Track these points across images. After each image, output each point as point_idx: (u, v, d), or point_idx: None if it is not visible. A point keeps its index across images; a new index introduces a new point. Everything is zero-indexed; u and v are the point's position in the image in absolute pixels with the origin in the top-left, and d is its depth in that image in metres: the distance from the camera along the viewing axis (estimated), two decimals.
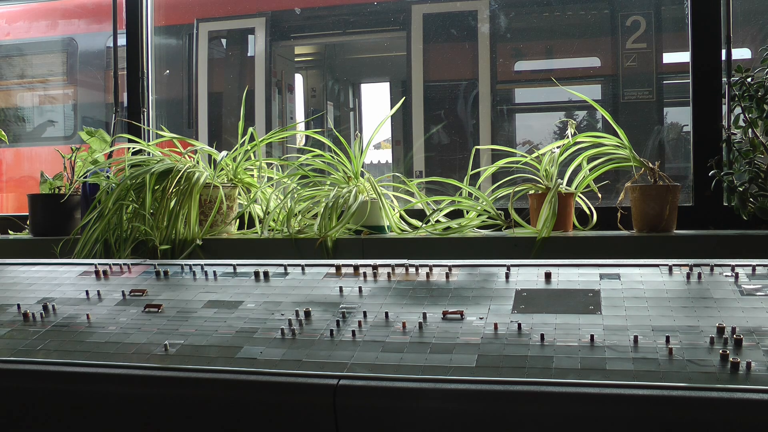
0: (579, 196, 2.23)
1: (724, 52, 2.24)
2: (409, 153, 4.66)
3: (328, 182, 2.38)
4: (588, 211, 2.24)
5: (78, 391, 1.28)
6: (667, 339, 1.21)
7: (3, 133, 2.69)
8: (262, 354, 1.30)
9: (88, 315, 1.53)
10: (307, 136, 3.59)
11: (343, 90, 6.01)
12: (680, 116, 4.13)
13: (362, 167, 2.35)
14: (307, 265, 1.77)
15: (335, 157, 2.37)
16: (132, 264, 1.89)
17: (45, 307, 1.58)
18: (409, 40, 4.61)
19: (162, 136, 2.55)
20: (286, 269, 1.75)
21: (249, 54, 5.00)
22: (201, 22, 4.92)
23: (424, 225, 2.26)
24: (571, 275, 1.56)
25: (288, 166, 2.59)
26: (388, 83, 5.78)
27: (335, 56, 5.88)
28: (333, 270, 1.72)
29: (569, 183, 2.23)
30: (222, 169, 2.43)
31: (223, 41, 5.10)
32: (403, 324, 1.37)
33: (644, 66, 4.15)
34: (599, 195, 2.27)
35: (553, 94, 4.50)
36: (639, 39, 4.14)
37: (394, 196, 2.38)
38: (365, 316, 1.42)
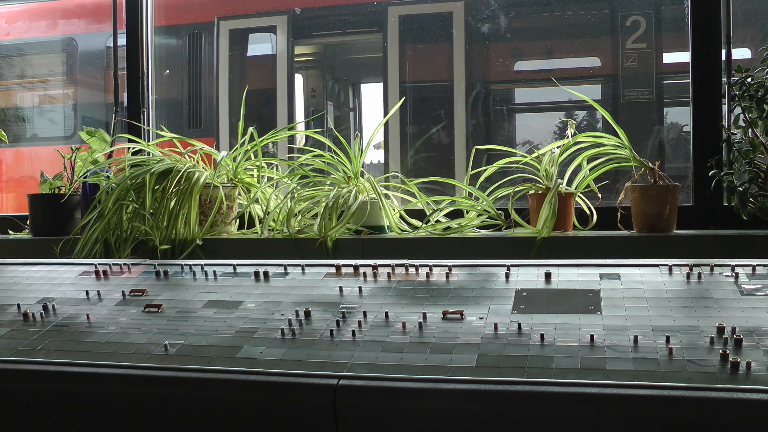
0: (579, 196, 2.23)
1: (724, 52, 2.24)
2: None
3: (328, 182, 2.38)
4: (588, 211, 2.24)
5: (78, 391, 1.28)
6: (667, 339, 1.21)
7: (3, 133, 2.69)
8: (262, 354, 1.30)
9: (88, 315, 1.53)
10: (307, 136, 3.58)
11: (343, 90, 6.01)
12: (680, 116, 4.13)
13: (362, 167, 2.35)
14: (307, 265, 1.77)
15: (335, 157, 2.37)
16: (132, 264, 1.89)
17: (45, 307, 1.58)
18: (385, 41, 4.62)
19: (162, 136, 2.55)
20: (286, 269, 1.75)
21: (271, 52, 4.95)
22: (222, 20, 4.90)
23: (424, 225, 2.26)
24: (571, 275, 1.56)
25: (288, 166, 2.59)
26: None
27: (335, 56, 5.88)
28: (333, 270, 1.72)
29: (569, 183, 2.23)
30: (222, 169, 2.43)
31: (243, 39, 5.08)
32: (403, 324, 1.37)
33: (644, 66, 4.15)
34: (599, 195, 2.27)
35: (553, 95, 4.50)
36: (639, 39, 4.13)
37: (394, 196, 2.38)
38: (365, 316, 1.42)
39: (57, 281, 1.79)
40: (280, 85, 4.83)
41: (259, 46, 5.14)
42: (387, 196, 2.34)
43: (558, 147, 2.22)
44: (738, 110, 2.11)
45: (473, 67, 4.49)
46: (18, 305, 1.62)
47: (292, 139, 3.60)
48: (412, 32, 4.60)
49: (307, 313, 1.45)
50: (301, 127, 5.04)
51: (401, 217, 2.35)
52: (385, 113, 4.64)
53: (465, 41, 4.42)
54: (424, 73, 4.67)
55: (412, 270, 1.67)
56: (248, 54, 5.08)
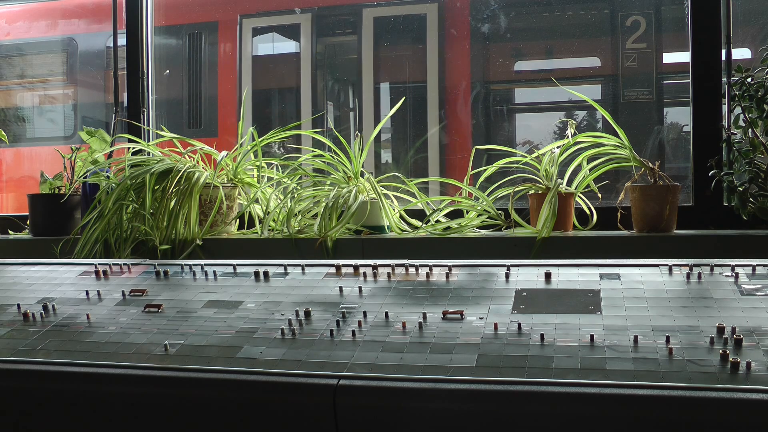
0: (579, 196, 2.23)
1: (724, 52, 2.24)
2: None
3: (328, 182, 2.38)
4: (588, 211, 2.24)
5: (78, 391, 1.28)
6: (667, 339, 1.21)
7: (3, 133, 2.69)
8: (262, 354, 1.30)
9: (88, 315, 1.53)
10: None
11: (343, 90, 6.01)
12: (680, 116, 4.13)
13: (362, 167, 2.35)
14: (307, 265, 1.77)
15: (335, 157, 2.37)
16: (132, 264, 1.89)
17: (45, 307, 1.58)
18: (359, 43, 4.65)
19: (162, 136, 2.55)
20: (286, 269, 1.75)
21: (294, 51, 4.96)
22: (245, 18, 4.90)
23: (424, 225, 2.26)
24: (571, 275, 1.56)
25: (288, 166, 2.59)
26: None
27: (335, 56, 5.88)
28: (333, 270, 1.72)
29: (569, 183, 2.23)
30: (222, 169, 2.43)
31: (267, 37, 5.07)
32: (403, 324, 1.37)
33: (644, 66, 4.15)
34: (599, 195, 2.27)
35: (552, 95, 4.50)
36: (639, 39, 4.13)
37: (394, 196, 2.39)
38: (365, 316, 1.42)
39: (57, 281, 1.79)
40: (304, 82, 4.85)
41: (283, 44, 5.15)
42: (387, 196, 2.34)
43: (558, 147, 2.22)
44: (738, 110, 2.11)
45: (474, 67, 4.50)
46: (18, 305, 1.62)
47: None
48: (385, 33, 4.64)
49: (307, 313, 1.45)
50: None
51: (401, 217, 2.35)
52: (360, 113, 4.65)
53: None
54: (402, 74, 4.71)
55: (412, 270, 1.67)
56: (272, 52, 5.08)
